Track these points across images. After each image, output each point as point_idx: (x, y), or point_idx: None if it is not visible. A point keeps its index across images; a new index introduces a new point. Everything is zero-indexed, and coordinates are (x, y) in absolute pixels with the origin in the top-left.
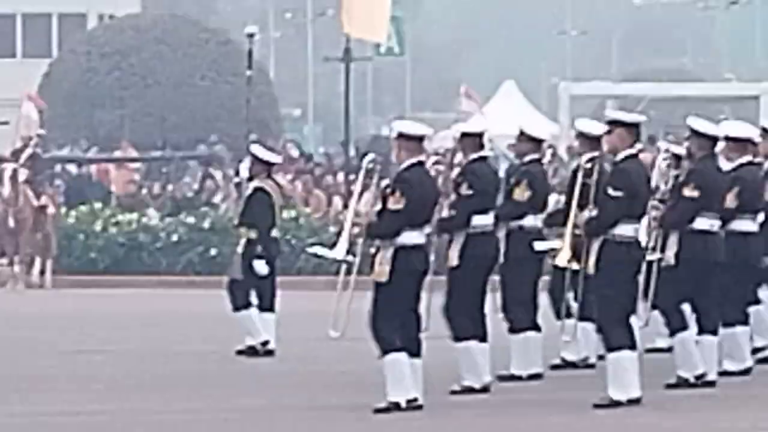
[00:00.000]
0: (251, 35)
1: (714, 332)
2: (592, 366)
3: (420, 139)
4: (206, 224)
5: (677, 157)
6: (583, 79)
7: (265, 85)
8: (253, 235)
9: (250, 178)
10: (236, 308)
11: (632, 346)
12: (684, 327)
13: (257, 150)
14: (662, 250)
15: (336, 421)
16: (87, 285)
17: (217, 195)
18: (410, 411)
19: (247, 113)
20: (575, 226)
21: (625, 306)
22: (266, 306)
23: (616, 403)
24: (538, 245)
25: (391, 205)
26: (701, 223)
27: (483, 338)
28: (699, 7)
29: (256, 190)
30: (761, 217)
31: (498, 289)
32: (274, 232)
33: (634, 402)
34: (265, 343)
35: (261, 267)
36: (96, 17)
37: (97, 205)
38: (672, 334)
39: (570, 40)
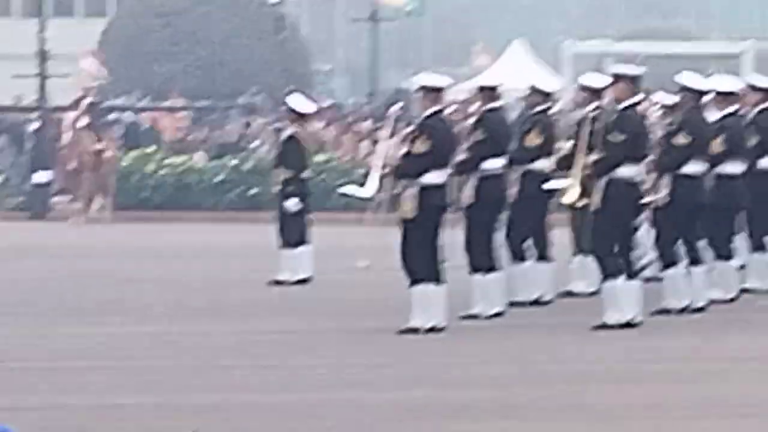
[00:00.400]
0: (276, 3)
1: (700, 263)
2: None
3: (439, 90)
4: (247, 166)
5: (669, 108)
6: (586, 38)
7: (298, 43)
8: (287, 175)
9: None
10: (285, 245)
11: (630, 275)
12: (674, 262)
13: (292, 100)
14: (656, 192)
15: (364, 343)
16: (140, 220)
17: (256, 140)
18: (431, 333)
19: (281, 68)
20: (583, 167)
21: (622, 239)
22: (300, 240)
23: (610, 326)
24: (549, 184)
25: (416, 148)
26: (691, 167)
27: (496, 268)
28: None
29: (290, 136)
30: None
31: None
32: (306, 174)
33: (631, 326)
34: (301, 281)
35: (293, 204)
36: None
37: (149, 149)
38: (665, 267)
39: (574, 2)
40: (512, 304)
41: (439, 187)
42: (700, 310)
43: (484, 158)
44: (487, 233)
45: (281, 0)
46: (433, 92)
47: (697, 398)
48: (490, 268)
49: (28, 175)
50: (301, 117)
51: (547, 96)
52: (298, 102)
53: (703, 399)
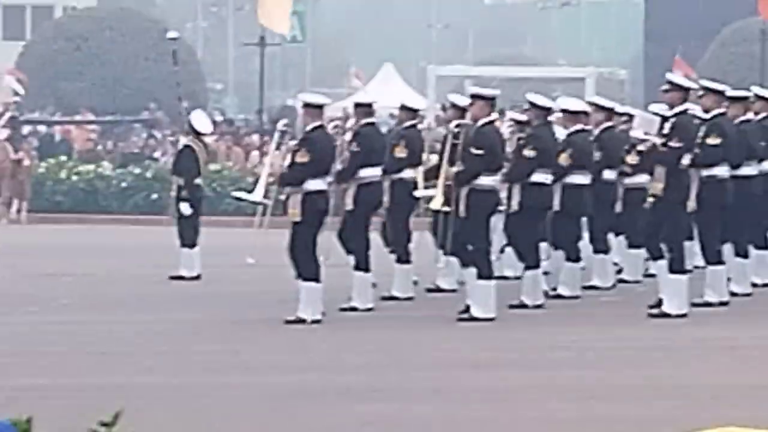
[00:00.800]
0: (174, 39)
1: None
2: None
3: (320, 107)
4: (149, 174)
5: (520, 124)
6: (446, 63)
7: (194, 65)
8: (181, 182)
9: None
10: (183, 245)
11: (487, 276)
12: (538, 265)
13: (192, 119)
14: (508, 200)
15: (253, 331)
16: (54, 222)
17: (157, 151)
18: (314, 324)
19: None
20: (447, 178)
21: (485, 239)
22: (191, 242)
23: (474, 318)
24: (417, 193)
25: (299, 159)
26: (538, 177)
27: (369, 268)
28: (538, 6)
29: (185, 146)
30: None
31: (379, 228)
32: (198, 181)
33: (489, 320)
34: (196, 277)
35: (185, 208)
36: (61, 9)
37: (62, 158)
38: (527, 268)
39: (435, 31)
40: (384, 298)
41: (321, 193)
42: (540, 306)
43: (361, 167)
44: (365, 235)
45: (178, 37)
46: (315, 109)
47: (548, 383)
48: (368, 268)
49: None
50: (196, 132)
51: (414, 113)
52: (198, 119)
53: (553, 384)
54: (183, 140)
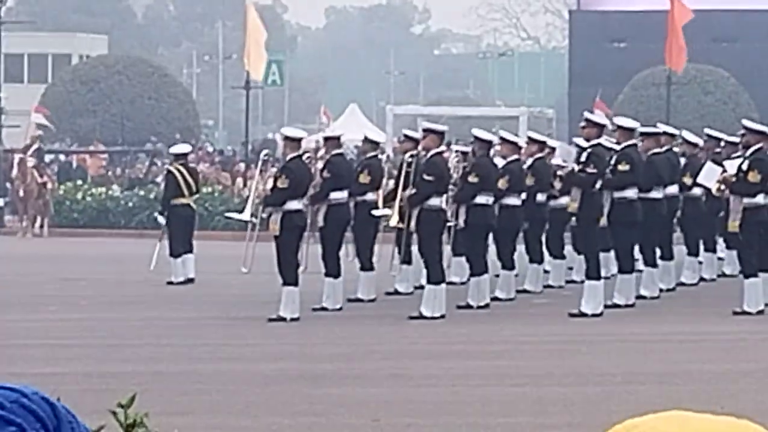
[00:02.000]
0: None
1: (487, 272)
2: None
3: (299, 140)
4: (151, 195)
5: (464, 154)
6: (401, 103)
7: (189, 104)
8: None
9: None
10: (171, 255)
11: (443, 280)
12: (482, 272)
13: (174, 148)
14: (456, 218)
15: (240, 327)
16: (71, 235)
17: (158, 176)
18: (292, 321)
19: (176, 122)
20: (402, 199)
21: (436, 251)
22: (188, 249)
23: (425, 317)
24: (375, 212)
25: (279, 184)
26: (481, 199)
27: (338, 275)
28: (479, 56)
29: (168, 172)
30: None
31: (351, 241)
32: (182, 200)
33: (439, 318)
34: (184, 281)
35: (160, 220)
36: (77, 57)
37: (78, 182)
38: (472, 275)
39: (393, 77)
40: (351, 300)
41: (298, 212)
42: (486, 306)
43: (331, 191)
44: (336, 248)
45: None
46: (294, 141)
47: (489, 371)
48: (338, 274)
49: None
50: (179, 156)
51: (376, 145)
52: (176, 148)
53: (493, 371)
54: (169, 167)
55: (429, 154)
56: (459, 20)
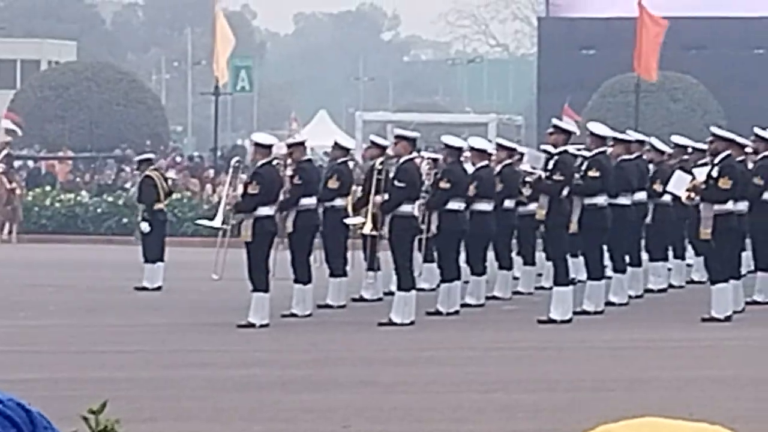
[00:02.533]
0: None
1: (460, 279)
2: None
3: (269, 146)
4: (120, 202)
5: (435, 161)
6: (371, 109)
7: (158, 110)
8: (143, 206)
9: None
10: (146, 260)
11: (413, 287)
12: (453, 279)
13: (144, 155)
14: (428, 227)
15: (211, 334)
16: (40, 241)
17: (127, 182)
18: (262, 328)
19: (145, 128)
20: (374, 206)
21: (408, 257)
22: (153, 258)
23: (395, 324)
24: (349, 221)
25: (250, 190)
26: (452, 205)
27: (309, 281)
28: (448, 63)
29: (145, 177)
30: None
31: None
32: (160, 205)
33: (409, 324)
34: (157, 288)
35: (144, 227)
36: (46, 63)
37: (47, 188)
38: (443, 281)
39: (362, 83)
40: (321, 306)
41: (269, 218)
42: (456, 313)
43: (301, 197)
44: (306, 254)
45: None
46: (264, 147)
47: (458, 377)
48: (308, 280)
49: None
50: (150, 162)
51: (346, 151)
52: (145, 155)
53: (462, 377)
54: (145, 171)
55: (401, 161)
56: (428, 27)
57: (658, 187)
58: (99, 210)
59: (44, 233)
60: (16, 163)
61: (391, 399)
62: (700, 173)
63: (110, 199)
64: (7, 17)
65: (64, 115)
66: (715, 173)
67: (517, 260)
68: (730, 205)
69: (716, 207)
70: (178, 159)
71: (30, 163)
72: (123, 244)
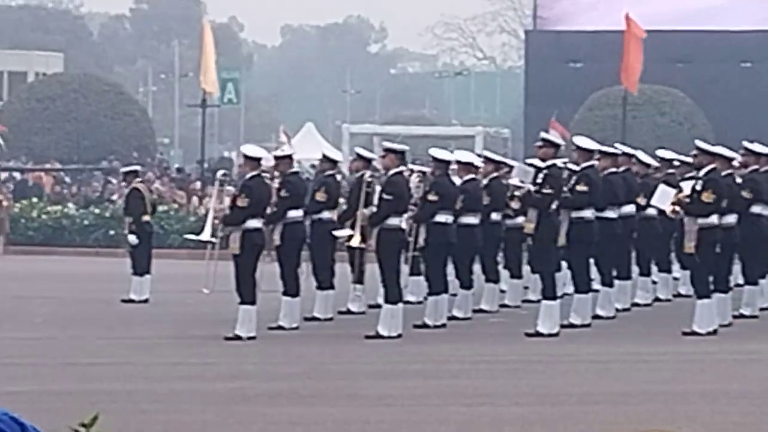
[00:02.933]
0: None
1: (447, 292)
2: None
3: (258, 159)
4: (107, 214)
5: (423, 174)
6: (358, 122)
7: (145, 122)
8: (129, 219)
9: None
10: (134, 273)
11: (401, 299)
12: (441, 292)
13: (130, 167)
14: (415, 240)
15: (198, 346)
16: (27, 253)
17: (114, 194)
18: (249, 340)
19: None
20: (362, 219)
21: (395, 270)
22: (141, 270)
23: (382, 336)
24: (337, 233)
25: (239, 203)
26: (440, 218)
27: (297, 293)
28: (435, 76)
29: (132, 189)
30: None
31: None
32: (146, 218)
33: (396, 337)
34: (144, 300)
35: (132, 239)
36: (33, 74)
37: (34, 200)
38: (430, 294)
39: (349, 96)
40: (308, 319)
41: (258, 231)
42: (443, 326)
43: (288, 210)
44: (294, 266)
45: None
46: (253, 160)
47: (446, 390)
48: (296, 293)
49: None
50: (136, 174)
51: (334, 163)
52: (131, 167)
53: (450, 390)
54: (131, 183)
55: (389, 174)
56: (415, 39)
57: (642, 201)
58: (86, 222)
59: (31, 245)
60: (3, 175)
61: (378, 412)
62: (687, 186)
63: (97, 211)
64: None
65: (51, 126)
66: (698, 187)
67: (504, 273)
68: (713, 219)
69: (700, 221)
70: (171, 169)
71: (17, 174)
72: (110, 256)
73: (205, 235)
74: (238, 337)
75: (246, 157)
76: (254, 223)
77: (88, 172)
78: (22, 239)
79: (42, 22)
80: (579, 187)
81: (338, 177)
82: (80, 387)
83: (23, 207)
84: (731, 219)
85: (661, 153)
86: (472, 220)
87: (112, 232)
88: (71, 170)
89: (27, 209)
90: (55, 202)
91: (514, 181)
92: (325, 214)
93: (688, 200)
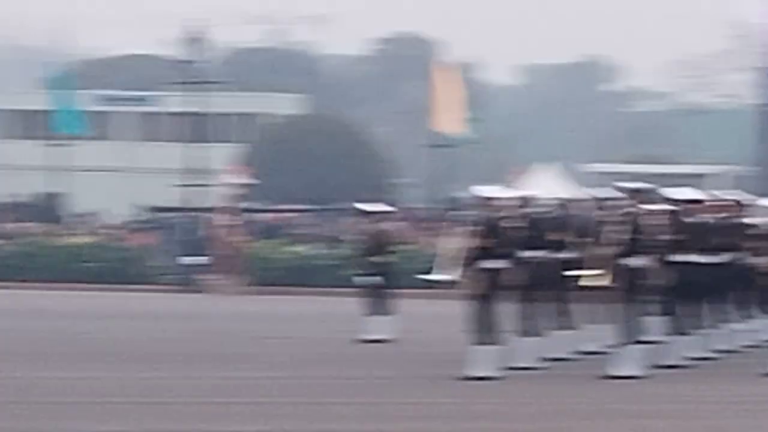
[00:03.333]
0: None
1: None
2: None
3: (496, 199)
4: (349, 253)
5: (672, 213)
6: (593, 161)
7: (382, 162)
8: (370, 258)
9: None
10: (375, 313)
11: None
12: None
13: (367, 206)
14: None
15: (433, 386)
16: (271, 293)
17: (352, 234)
18: (487, 380)
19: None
20: (609, 259)
21: (638, 311)
22: (385, 310)
23: (623, 377)
24: (583, 272)
25: (481, 243)
26: (690, 257)
27: (537, 334)
28: (670, 114)
29: (371, 229)
30: None
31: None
32: (383, 258)
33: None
34: (385, 340)
35: (371, 280)
36: (269, 116)
37: (276, 240)
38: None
39: (582, 134)
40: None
41: (497, 271)
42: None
43: (530, 249)
44: (533, 307)
45: None
46: (492, 200)
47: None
48: (535, 334)
49: (175, 258)
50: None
51: (580, 203)
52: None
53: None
54: None
55: (636, 213)
56: (649, 77)
57: None
58: (330, 262)
59: (275, 285)
60: (246, 216)
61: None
62: None
63: (340, 251)
64: (233, 71)
65: (293, 168)
66: None
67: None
68: None
69: None
70: (409, 211)
71: (260, 215)
72: (353, 296)
73: (445, 276)
74: (475, 378)
75: (485, 197)
76: (493, 263)
77: (331, 211)
78: (267, 279)
79: (281, 64)
80: None
81: (581, 216)
82: (319, 427)
83: (264, 247)
84: None
85: None
86: (711, 259)
87: (352, 272)
88: (314, 210)
89: (268, 249)
90: (298, 241)
91: (757, 220)
92: (563, 254)
93: None
